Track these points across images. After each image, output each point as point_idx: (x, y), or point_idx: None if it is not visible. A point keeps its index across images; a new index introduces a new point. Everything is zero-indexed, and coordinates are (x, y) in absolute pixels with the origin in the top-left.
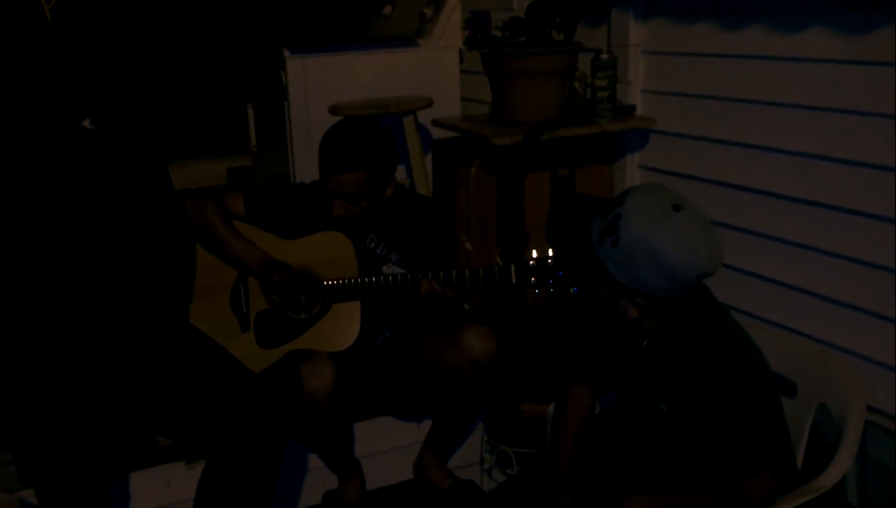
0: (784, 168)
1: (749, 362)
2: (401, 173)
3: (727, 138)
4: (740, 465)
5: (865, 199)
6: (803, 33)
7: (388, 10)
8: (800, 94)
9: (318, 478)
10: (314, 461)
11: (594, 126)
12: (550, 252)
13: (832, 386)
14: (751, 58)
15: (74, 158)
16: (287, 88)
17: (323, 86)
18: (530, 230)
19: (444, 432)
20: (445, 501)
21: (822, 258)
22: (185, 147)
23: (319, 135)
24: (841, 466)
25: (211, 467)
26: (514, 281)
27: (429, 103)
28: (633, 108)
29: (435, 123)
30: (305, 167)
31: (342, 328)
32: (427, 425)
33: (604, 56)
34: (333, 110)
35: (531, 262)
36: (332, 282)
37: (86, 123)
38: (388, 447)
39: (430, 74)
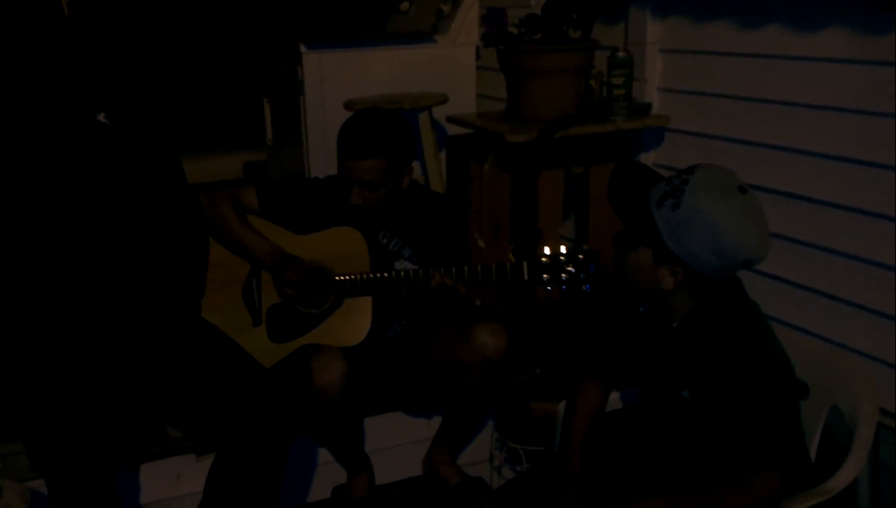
0: (799, 168)
1: (779, 360)
2: (415, 170)
3: (743, 138)
4: (749, 461)
5: (882, 200)
6: (820, 33)
7: (405, 6)
8: (816, 94)
9: (328, 473)
10: (323, 455)
11: (609, 124)
12: (563, 249)
13: (844, 388)
14: (767, 57)
15: (89, 152)
16: (303, 83)
17: (339, 81)
18: (543, 228)
19: (455, 428)
20: (454, 497)
21: (835, 259)
22: (201, 141)
23: (335, 130)
24: (852, 469)
25: (220, 460)
26: (526, 278)
27: (444, 100)
28: (648, 106)
29: (450, 119)
30: (320, 162)
31: (354, 323)
32: (437, 421)
33: (620, 54)
34: (349, 106)
35: (543, 259)
36: (344, 277)
37: (101, 117)
38: (397, 442)
39: (446, 71)
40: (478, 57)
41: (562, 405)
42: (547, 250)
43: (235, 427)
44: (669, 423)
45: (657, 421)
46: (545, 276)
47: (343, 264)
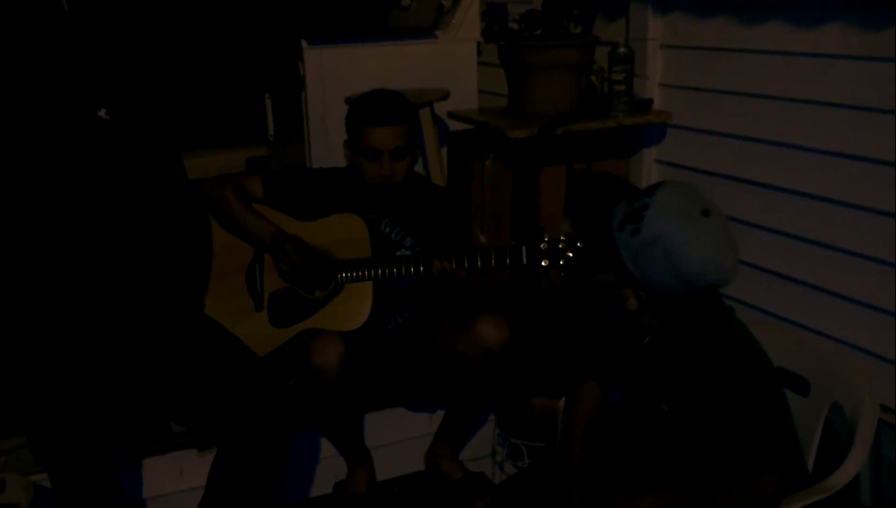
0: (800, 165)
1: (749, 360)
2: (417, 165)
3: (744, 134)
4: (748, 464)
5: (882, 196)
6: (821, 29)
7: (406, 1)
8: (817, 90)
9: (330, 467)
10: (325, 450)
11: (610, 120)
12: (562, 235)
13: (845, 385)
14: (768, 53)
15: (89, 148)
16: (304, 79)
17: (340, 77)
18: (545, 223)
19: (456, 422)
20: (455, 492)
21: (835, 255)
22: (203, 137)
23: (336, 125)
24: (853, 465)
25: (223, 454)
26: (524, 262)
27: (445, 95)
28: (650, 102)
29: (451, 115)
30: (322, 157)
31: (354, 308)
32: (439, 416)
33: (621, 50)
34: (350, 101)
35: (542, 244)
36: (346, 270)
37: (101, 112)
38: (399, 438)
39: (447, 66)
40: (479, 52)
41: (563, 401)
42: (546, 236)
43: (238, 422)
44: (653, 433)
45: (643, 428)
46: (544, 261)
47: (345, 250)
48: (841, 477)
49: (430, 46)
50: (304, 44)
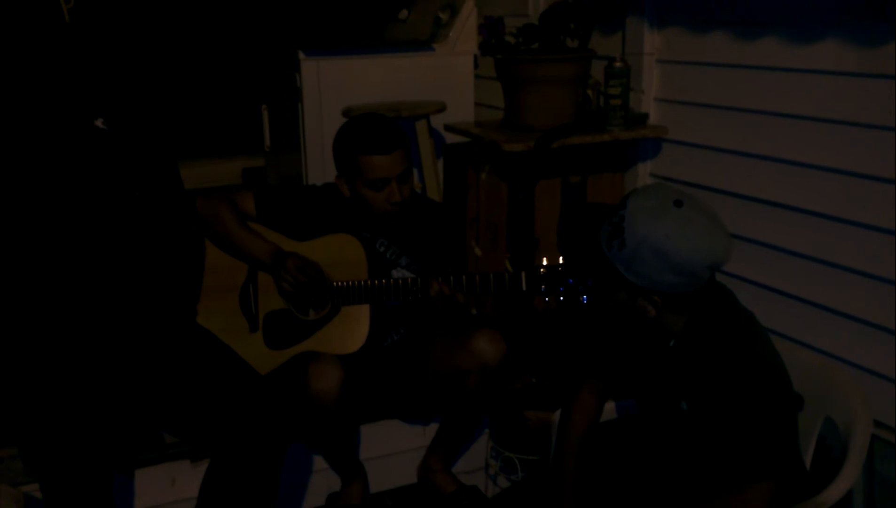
0: (796, 180)
1: (776, 369)
2: (413, 177)
3: (739, 149)
4: (742, 471)
5: (874, 211)
6: (817, 45)
7: (403, 14)
8: (814, 106)
9: (323, 480)
10: (318, 462)
11: (606, 134)
12: (561, 260)
13: (838, 400)
14: (764, 69)
15: (86, 157)
16: (301, 90)
17: (337, 88)
18: (540, 237)
19: (450, 436)
20: (449, 506)
21: (831, 271)
22: (199, 147)
23: (332, 137)
24: (846, 481)
25: (215, 466)
26: (524, 288)
27: (442, 108)
28: (645, 116)
29: (447, 127)
30: (318, 168)
31: (351, 331)
32: (433, 429)
33: (617, 64)
34: (347, 113)
35: (542, 269)
36: (342, 283)
37: (98, 122)
38: (393, 450)
39: (444, 79)
40: (476, 66)
41: (557, 414)
42: (545, 261)
43: (231, 433)
44: (667, 434)
45: (654, 431)
46: (543, 286)
47: (341, 271)
48: (834, 493)
49: (427, 59)
50: (301, 55)
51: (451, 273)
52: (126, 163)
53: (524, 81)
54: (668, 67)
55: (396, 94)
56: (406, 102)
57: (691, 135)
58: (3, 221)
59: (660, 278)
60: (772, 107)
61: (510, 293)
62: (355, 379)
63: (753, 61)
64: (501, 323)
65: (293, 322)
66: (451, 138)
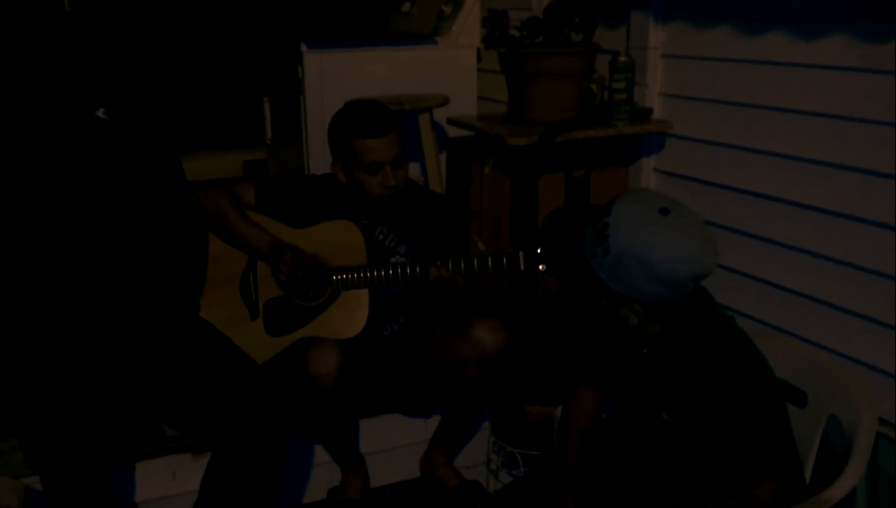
0: (799, 175)
1: (752, 369)
2: (415, 171)
3: (744, 144)
4: (745, 474)
5: (879, 208)
6: (821, 41)
7: (406, 7)
8: (817, 101)
9: (324, 473)
10: (319, 456)
11: (610, 128)
12: None
13: (842, 397)
14: (769, 64)
15: (87, 148)
16: (303, 83)
17: (339, 81)
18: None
19: (452, 428)
20: (450, 500)
21: (834, 267)
22: (201, 139)
23: None
24: (850, 478)
25: (216, 458)
26: (522, 268)
27: (445, 101)
28: (650, 111)
29: (450, 121)
30: (320, 161)
31: (350, 316)
32: (434, 423)
33: (622, 58)
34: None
35: (539, 249)
36: (342, 275)
37: (100, 112)
38: (394, 444)
39: (447, 72)
40: (479, 59)
41: (559, 409)
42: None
43: (232, 426)
44: (652, 442)
45: (641, 438)
46: (542, 266)
47: (340, 257)
48: (837, 491)
49: (430, 52)
50: (303, 47)
51: (449, 257)
52: (128, 154)
53: (528, 74)
54: (673, 61)
55: (399, 87)
56: (409, 96)
57: (695, 130)
58: (3, 212)
59: (643, 287)
60: (776, 102)
61: (509, 274)
62: (355, 368)
63: (757, 56)
64: (503, 307)
65: (293, 309)
66: (453, 132)
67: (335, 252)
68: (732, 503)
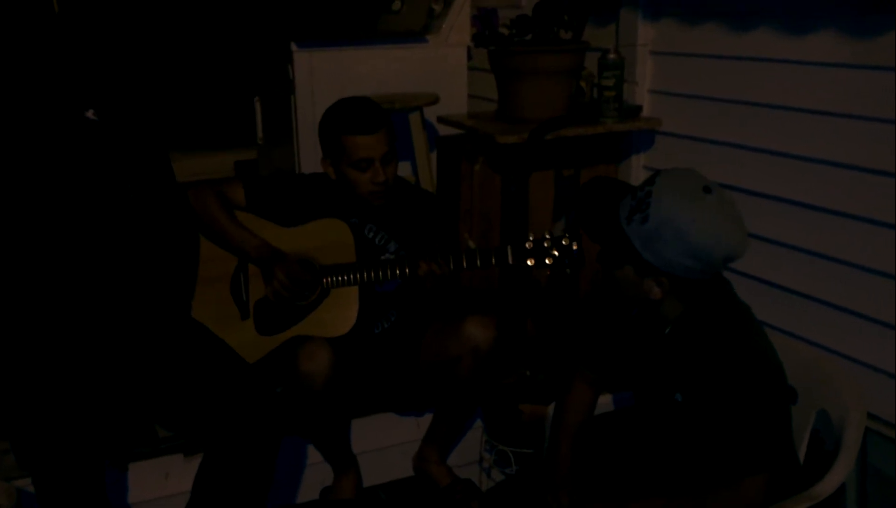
0: (789, 172)
1: (770, 363)
2: (406, 169)
3: (734, 141)
4: (737, 464)
5: (869, 204)
6: (811, 36)
7: (396, 5)
8: (807, 97)
9: (316, 474)
10: (312, 456)
11: (599, 126)
12: (547, 235)
13: (832, 393)
14: (759, 60)
15: (77, 149)
16: (294, 82)
17: (330, 80)
18: (533, 229)
19: (445, 426)
20: (442, 499)
21: (826, 264)
22: (191, 139)
23: None
24: (839, 473)
25: (209, 459)
26: (510, 262)
27: (435, 100)
28: (639, 108)
29: (441, 119)
30: (311, 161)
31: (340, 313)
32: (426, 422)
33: (611, 56)
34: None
35: (527, 244)
36: (331, 274)
37: (89, 113)
38: (386, 443)
39: (437, 71)
40: (469, 57)
41: (551, 407)
42: (531, 236)
43: (225, 427)
44: (662, 425)
45: (650, 424)
46: (530, 261)
47: (329, 255)
48: (827, 486)
49: (420, 50)
50: (293, 46)
51: (438, 252)
52: (118, 155)
53: (518, 72)
54: (662, 58)
55: (390, 85)
56: (399, 94)
57: (685, 127)
58: None
59: (676, 260)
60: (767, 99)
61: (498, 268)
62: (347, 367)
63: (748, 52)
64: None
65: (283, 308)
66: (444, 130)
67: (325, 250)
68: (722, 491)
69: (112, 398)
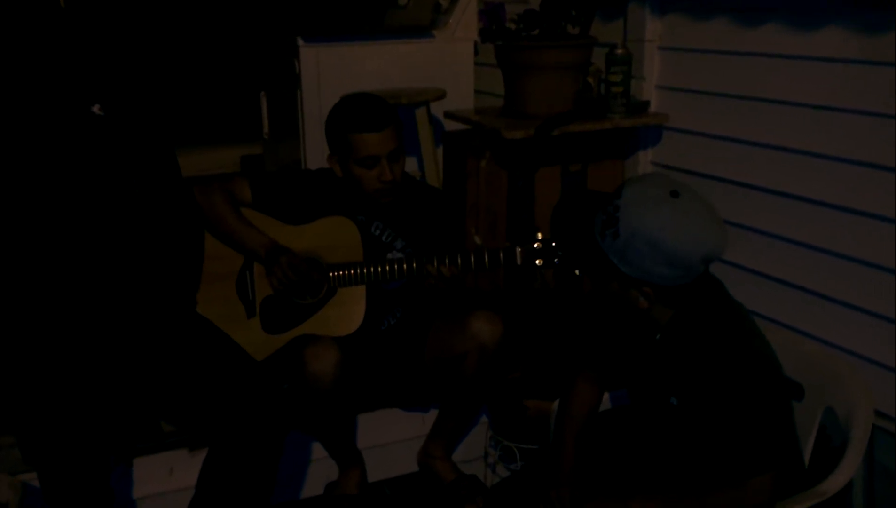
0: (796, 168)
1: (764, 360)
2: (412, 165)
3: (741, 137)
4: (742, 464)
5: (875, 200)
6: (819, 32)
7: (403, 0)
8: (815, 93)
9: (321, 469)
10: (317, 452)
11: (607, 121)
12: None
13: (839, 390)
14: (766, 56)
15: (83, 144)
16: (300, 77)
17: (336, 75)
18: (540, 224)
19: (450, 421)
20: (447, 495)
21: (830, 260)
22: (198, 134)
23: None
24: (847, 471)
25: (213, 454)
26: (519, 263)
27: (441, 95)
28: (646, 104)
29: (447, 115)
30: (317, 156)
31: (347, 312)
32: (431, 417)
33: (619, 51)
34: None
35: (535, 244)
36: (338, 272)
37: (95, 108)
38: (391, 439)
39: (444, 66)
40: (476, 52)
41: (556, 404)
42: (539, 236)
43: (229, 421)
44: (659, 428)
45: (646, 425)
46: (538, 261)
47: (336, 253)
48: (834, 483)
49: (426, 46)
50: (300, 41)
51: (446, 252)
52: (123, 150)
53: (525, 67)
54: (670, 54)
55: (396, 81)
56: (406, 90)
57: (692, 122)
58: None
59: (653, 269)
60: (773, 94)
61: (506, 269)
62: (353, 363)
63: (755, 48)
64: (500, 301)
65: (290, 306)
66: (450, 126)
67: (331, 249)
68: (728, 491)
69: (117, 393)
